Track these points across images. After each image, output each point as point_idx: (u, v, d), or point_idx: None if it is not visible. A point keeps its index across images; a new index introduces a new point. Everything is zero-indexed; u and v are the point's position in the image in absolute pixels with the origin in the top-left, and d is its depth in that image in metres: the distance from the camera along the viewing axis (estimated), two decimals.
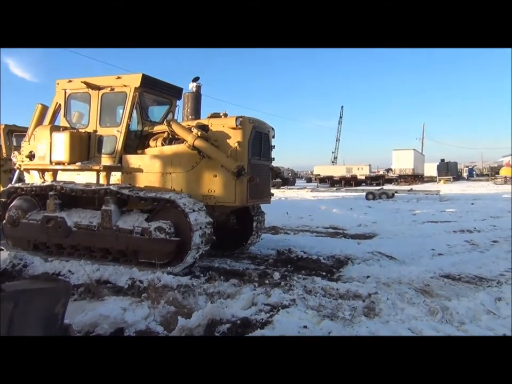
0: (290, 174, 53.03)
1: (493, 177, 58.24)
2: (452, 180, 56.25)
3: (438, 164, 66.36)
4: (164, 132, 7.92)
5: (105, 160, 7.95)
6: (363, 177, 52.74)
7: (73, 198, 7.82)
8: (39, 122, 8.79)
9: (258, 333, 4.35)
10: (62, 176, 8.38)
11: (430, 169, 62.90)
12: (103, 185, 7.77)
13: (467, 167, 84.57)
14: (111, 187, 7.42)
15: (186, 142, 7.27)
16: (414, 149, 57.57)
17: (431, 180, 58.90)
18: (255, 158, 7.48)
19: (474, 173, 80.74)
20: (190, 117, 8.22)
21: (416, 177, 55.36)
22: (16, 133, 12.00)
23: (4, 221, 8.27)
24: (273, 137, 8.40)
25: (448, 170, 64.78)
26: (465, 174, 76.09)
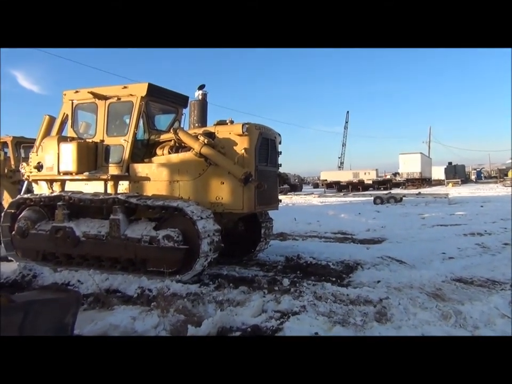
0: (297, 180, 52.90)
1: (502, 179, 57.78)
2: (460, 182, 55.83)
3: (446, 167, 65.99)
4: (170, 140, 7.94)
5: (113, 170, 7.97)
6: (370, 182, 52.58)
7: (81, 207, 7.85)
8: (47, 133, 8.85)
9: None
10: (70, 186, 8.41)
11: (438, 173, 62.55)
12: (111, 194, 7.79)
13: (475, 169, 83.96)
14: (119, 196, 7.44)
15: (193, 149, 7.28)
16: (421, 153, 57.26)
17: (439, 183, 58.54)
18: (262, 165, 7.47)
19: (482, 175, 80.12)
20: (197, 124, 8.24)
21: (424, 181, 55.02)
22: (24, 144, 12.09)
23: (13, 232, 8.31)
24: (280, 143, 8.39)
25: (456, 173, 64.33)
26: (473, 177, 75.57)
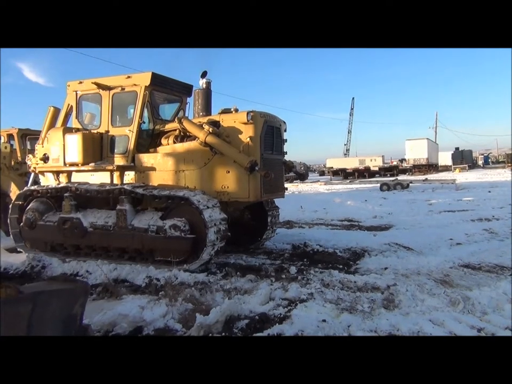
0: (303, 168, 52.63)
1: (510, 164, 57.20)
2: (467, 168, 55.47)
3: (453, 152, 65.46)
4: (175, 130, 7.92)
5: (118, 160, 7.98)
6: (376, 169, 52.31)
7: (88, 198, 7.87)
8: (52, 124, 8.85)
9: (276, 328, 4.32)
10: (76, 177, 8.43)
11: (445, 158, 62.06)
12: (117, 185, 7.80)
13: (482, 154, 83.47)
14: (125, 186, 7.44)
15: (198, 138, 7.25)
16: (427, 138, 56.70)
17: (446, 169, 58.16)
18: (267, 153, 7.44)
19: (489, 160, 79.50)
20: (201, 113, 8.19)
21: (431, 167, 54.63)
22: (29, 136, 12.11)
23: (22, 224, 8.37)
24: (285, 131, 8.34)
25: (463, 158, 63.85)
26: (480, 162, 75.11)
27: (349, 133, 75.89)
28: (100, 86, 8.16)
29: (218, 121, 7.41)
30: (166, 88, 8.56)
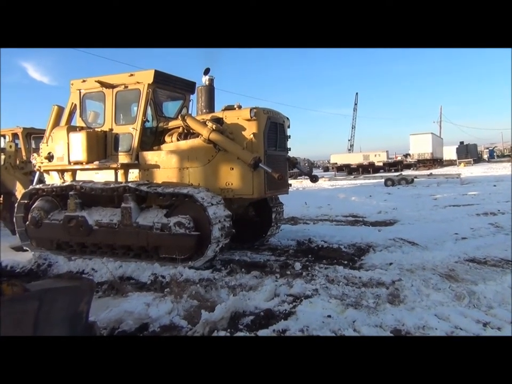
0: (307, 164, 52.59)
1: None
2: (472, 162, 55.15)
3: (457, 146, 65.00)
4: (179, 127, 7.92)
5: (123, 158, 7.99)
6: (381, 164, 52.10)
7: (93, 197, 7.90)
8: (56, 123, 8.88)
9: (281, 324, 4.34)
10: (81, 176, 8.46)
11: (449, 153, 61.66)
12: (121, 183, 7.82)
13: (487, 148, 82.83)
14: (130, 184, 7.47)
15: (202, 136, 7.25)
16: (432, 133, 56.38)
17: (451, 163, 57.82)
18: (271, 149, 7.43)
19: (495, 154, 79.04)
20: (204, 110, 8.19)
21: (435, 161, 54.34)
22: (34, 135, 12.14)
23: (27, 222, 8.42)
24: (289, 127, 8.34)
25: (468, 152, 63.42)
26: (485, 156, 74.59)
27: (352, 128, 75.69)
28: (103, 84, 8.17)
29: (222, 118, 7.41)
30: (169, 86, 8.56)
